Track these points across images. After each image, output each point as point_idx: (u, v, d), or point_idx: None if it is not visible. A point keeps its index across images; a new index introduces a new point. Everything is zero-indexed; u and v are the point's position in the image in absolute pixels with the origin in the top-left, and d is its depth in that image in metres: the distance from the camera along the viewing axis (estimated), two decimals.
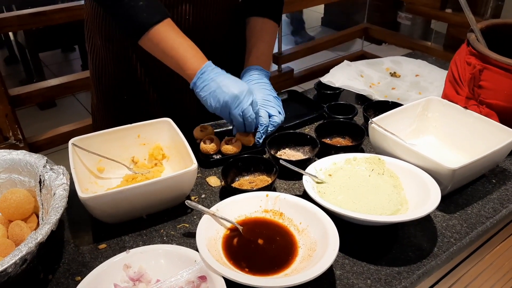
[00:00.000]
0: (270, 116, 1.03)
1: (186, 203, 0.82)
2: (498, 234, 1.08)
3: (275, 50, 2.87)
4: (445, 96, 1.09)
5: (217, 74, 0.96)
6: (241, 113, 0.96)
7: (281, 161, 0.93)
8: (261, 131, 1.02)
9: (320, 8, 4.93)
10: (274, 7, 1.17)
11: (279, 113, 1.04)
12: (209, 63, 0.97)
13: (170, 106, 1.12)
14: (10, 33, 3.62)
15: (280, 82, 2.77)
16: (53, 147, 1.98)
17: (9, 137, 1.78)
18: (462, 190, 0.94)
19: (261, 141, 1.03)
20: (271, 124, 1.03)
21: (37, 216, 0.84)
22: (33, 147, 1.91)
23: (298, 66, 2.98)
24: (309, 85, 1.36)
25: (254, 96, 0.98)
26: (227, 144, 1.04)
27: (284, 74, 2.78)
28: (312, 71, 2.90)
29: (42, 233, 0.68)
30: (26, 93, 1.86)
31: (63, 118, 3.11)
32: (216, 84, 0.95)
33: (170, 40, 0.95)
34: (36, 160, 0.85)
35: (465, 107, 1.02)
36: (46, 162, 0.84)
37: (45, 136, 1.95)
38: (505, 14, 3.04)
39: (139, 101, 1.15)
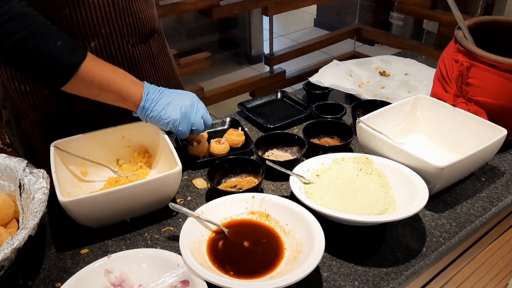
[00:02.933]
0: None
1: (170, 206, 0.80)
2: (489, 233, 1.07)
3: (267, 51, 2.86)
4: (433, 94, 1.08)
5: (161, 91, 0.92)
6: (201, 119, 0.94)
7: (267, 162, 0.92)
8: None
9: (313, 9, 4.93)
10: None
11: None
12: (146, 83, 0.92)
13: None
14: None
15: (272, 84, 2.76)
16: None
17: None
18: (451, 189, 0.93)
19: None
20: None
21: (18, 221, 0.82)
22: None
23: (290, 67, 2.97)
24: (301, 86, 1.35)
25: (201, 102, 0.97)
26: (215, 145, 1.02)
27: (276, 75, 2.77)
28: (304, 72, 2.89)
29: (19, 239, 0.66)
30: None
31: None
32: (166, 99, 0.91)
33: (104, 73, 0.85)
34: (16, 163, 0.83)
35: (454, 105, 1.01)
36: (26, 165, 0.82)
37: None
38: (496, 14, 3.04)
39: None
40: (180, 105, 0.91)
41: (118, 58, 1.01)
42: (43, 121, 1.03)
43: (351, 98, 1.29)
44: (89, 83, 0.84)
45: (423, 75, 1.37)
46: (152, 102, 0.90)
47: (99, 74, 0.84)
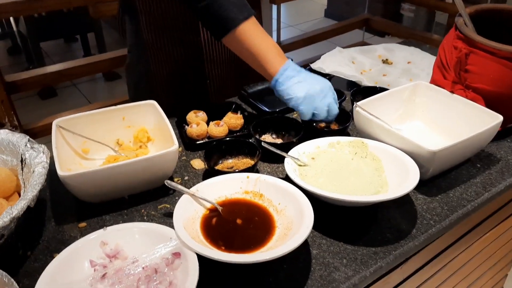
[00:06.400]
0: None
1: (166, 183, 0.82)
2: (485, 221, 1.08)
3: (275, 40, 2.86)
4: (433, 81, 1.08)
5: (299, 71, 0.97)
6: (325, 106, 0.96)
7: (263, 144, 0.93)
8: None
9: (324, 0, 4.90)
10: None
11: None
12: (290, 61, 0.98)
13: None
14: (13, 23, 3.63)
15: None
16: (49, 134, 1.99)
17: (5, 123, 1.80)
18: (446, 174, 0.94)
19: None
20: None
21: (19, 195, 0.85)
22: (29, 134, 1.91)
23: (298, 57, 2.96)
24: None
25: (334, 93, 1.00)
26: (214, 127, 1.04)
27: None
28: (312, 62, 2.88)
29: (18, 209, 0.69)
30: (23, 80, 1.86)
31: (63, 107, 3.12)
32: (299, 78, 0.96)
33: (257, 38, 0.96)
34: (18, 139, 0.85)
35: (452, 92, 1.01)
36: (28, 141, 0.85)
37: (42, 123, 1.96)
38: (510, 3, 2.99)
39: None
40: (308, 87, 0.95)
41: None
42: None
43: (352, 85, 1.29)
44: (241, 42, 0.96)
45: (425, 63, 1.36)
46: (286, 78, 0.96)
47: (252, 37, 0.95)
